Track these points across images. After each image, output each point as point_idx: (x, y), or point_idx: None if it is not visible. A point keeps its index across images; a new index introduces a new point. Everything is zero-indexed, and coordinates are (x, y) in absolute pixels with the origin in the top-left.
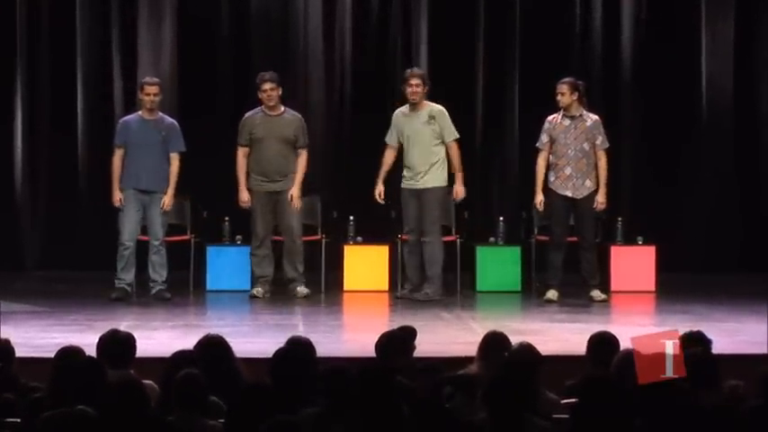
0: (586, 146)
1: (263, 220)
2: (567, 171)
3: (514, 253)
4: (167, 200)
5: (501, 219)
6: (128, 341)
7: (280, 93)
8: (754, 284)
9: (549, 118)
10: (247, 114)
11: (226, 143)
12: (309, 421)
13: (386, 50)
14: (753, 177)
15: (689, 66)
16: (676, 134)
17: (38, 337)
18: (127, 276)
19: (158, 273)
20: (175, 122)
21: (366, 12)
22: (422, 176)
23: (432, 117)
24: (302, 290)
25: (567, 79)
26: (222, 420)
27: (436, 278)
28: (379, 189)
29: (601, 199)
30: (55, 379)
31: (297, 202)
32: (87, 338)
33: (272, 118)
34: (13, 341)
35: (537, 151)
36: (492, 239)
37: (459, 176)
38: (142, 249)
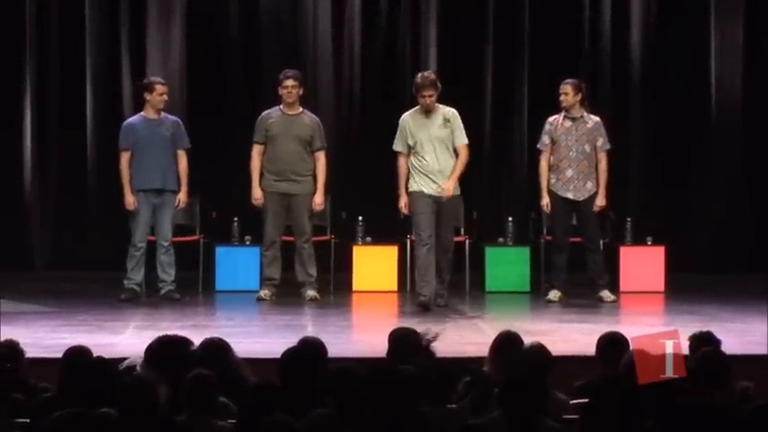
0: (587, 147)
1: (275, 222)
2: (569, 173)
3: (523, 253)
4: (182, 197)
5: (510, 219)
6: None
7: (300, 92)
8: (763, 285)
9: (550, 119)
10: (264, 112)
11: (234, 143)
12: (320, 422)
13: (395, 53)
14: (762, 178)
15: (698, 67)
16: (686, 135)
17: (47, 337)
18: (137, 277)
19: (167, 273)
20: (178, 119)
21: (375, 14)
22: (441, 181)
23: (447, 120)
24: (311, 293)
25: (570, 80)
26: (231, 421)
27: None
28: (405, 200)
29: (600, 202)
30: (63, 379)
31: (319, 208)
32: (96, 339)
33: (290, 117)
34: (22, 341)
35: (538, 152)
36: (501, 240)
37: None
38: (150, 250)
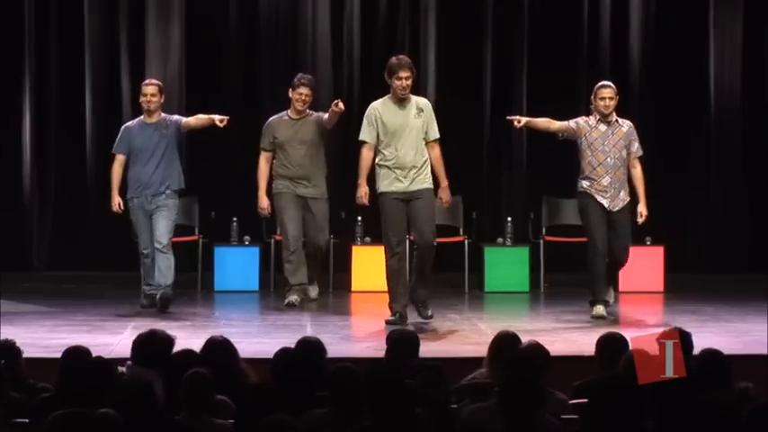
0: (624, 153)
1: (295, 222)
2: (605, 181)
3: (522, 253)
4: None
5: (509, 219)
6: (165, 341)
7: (311, 100)
8: (763, 285)
9: (585, 118)
10: (272, 118)
11: (233, 143)
12: (319, 422)
13: (394, 53)
14: (761, 178)
15: (697, 67)
16: (685, 135)
17: (46, 337)
18: (154, 282)
19: (164, 276)
20: (180, 117)
21: (375, 14)
22: (414, 177)
23: (420, 110)
24: (312, 289)
25: (609, 83)
26: (231, 420)
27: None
28: (365, 190)
29: (645, 211)
30: (62, 379)
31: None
32: (95, 339)
33: (295, 122)
34: (20, 341)
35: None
36: (500, 240)
37: (445, 182)
38: None
